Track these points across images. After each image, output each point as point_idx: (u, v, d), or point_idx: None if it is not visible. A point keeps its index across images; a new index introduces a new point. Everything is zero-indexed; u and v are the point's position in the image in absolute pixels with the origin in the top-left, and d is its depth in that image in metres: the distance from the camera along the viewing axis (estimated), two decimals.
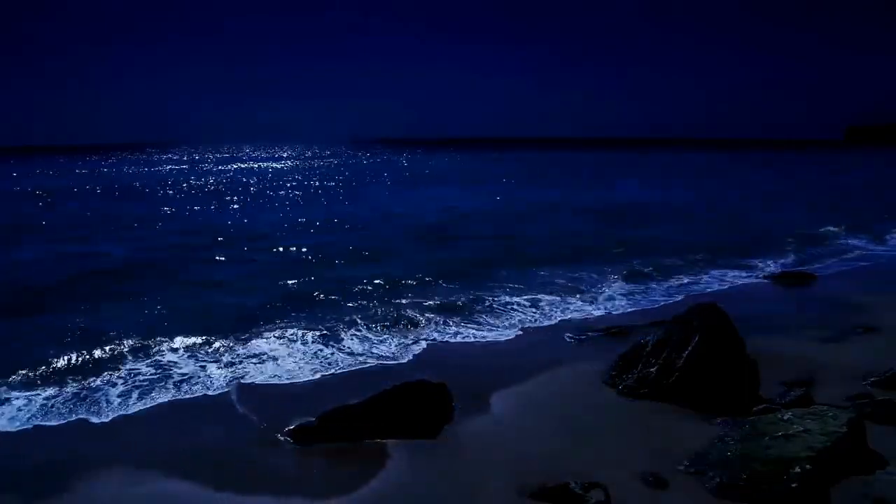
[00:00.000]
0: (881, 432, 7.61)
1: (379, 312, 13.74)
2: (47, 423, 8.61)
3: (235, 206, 36.96)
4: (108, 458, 7.62)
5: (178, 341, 11.81)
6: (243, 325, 12.86)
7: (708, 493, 6.65)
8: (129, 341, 11.77)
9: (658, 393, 9.02)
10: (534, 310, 14.23)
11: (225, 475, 7.23)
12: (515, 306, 14.42)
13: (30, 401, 9.27)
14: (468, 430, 8.28)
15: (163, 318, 13.41)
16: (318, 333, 12.39)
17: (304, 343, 11.88)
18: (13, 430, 8.42)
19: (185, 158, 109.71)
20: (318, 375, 10.35)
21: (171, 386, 9.86)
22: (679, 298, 15.25)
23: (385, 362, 10.99)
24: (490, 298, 15.03)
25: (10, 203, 38.38)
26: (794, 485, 6.35)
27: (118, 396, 9.47)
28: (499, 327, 13.00)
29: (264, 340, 11.97)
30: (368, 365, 10.85)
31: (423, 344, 11.91)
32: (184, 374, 10.31)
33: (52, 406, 9.07)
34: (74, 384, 9.87)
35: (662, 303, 14.96)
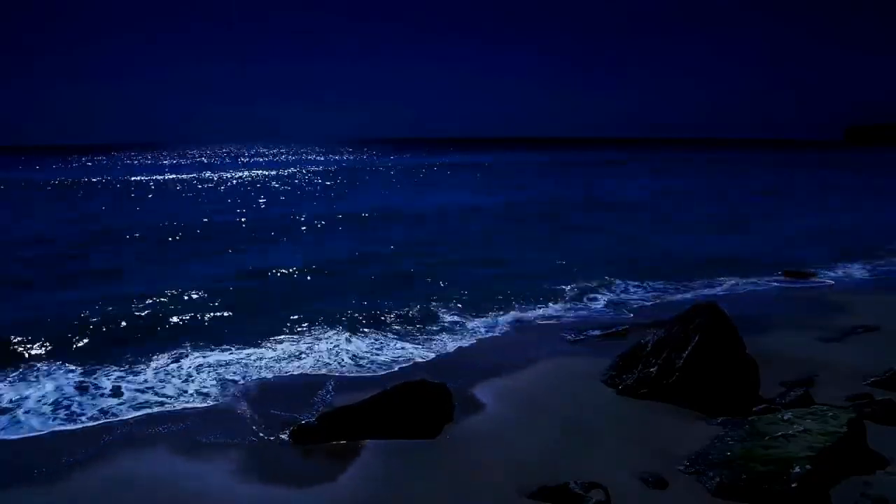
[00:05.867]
0: (881, 432, 7.61)
1: (378, 314, 13.73)
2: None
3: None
4: (109, 456, 7.64)
5: (176, 342, 11.86)
6: (241, 327, 12.89)
7: (708, 493, 6.65)
8: (129, 340, 11.83)
9: (658, 393, 9.02)
10: (533, 309, 14.23)
11: (224, 475, 7.23)
12: (516, 306, 14.41)
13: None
14: (468, 430, 8.28)
15: (153, 320, 13.41)
16: (318, 335, 12.43)
17: (305, 345, 11.89)
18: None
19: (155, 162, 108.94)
20: (318, 376, 10.34)
21: (171, 386, 9.86)
22: (679, 299, 15.23)
23: (386, 363, 10.98)
24: (490, 298, 15.04)
25: None
26: (794, 485, 6.35)
27: (115, 396, 9.49)
28: (499, 328, 13.00)
29: (263, 341, 11.98)
30: (369, 365, 10.85)
31: (424, 344, 11.90)
32: (182, 375, 10.31)
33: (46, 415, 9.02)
34: (74, 386, 9.88)
35: (663, 303, 14.93)
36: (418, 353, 11.43)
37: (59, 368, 10.50)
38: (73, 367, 10.54)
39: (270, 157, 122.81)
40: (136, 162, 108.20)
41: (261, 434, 8.25)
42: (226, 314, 13.72)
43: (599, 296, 15.52)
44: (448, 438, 8.08)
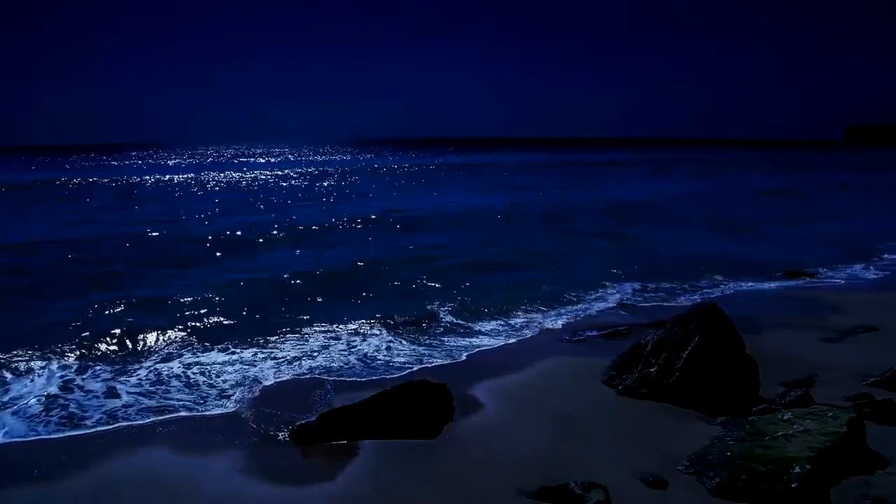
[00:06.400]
0: (881, 432, 7.60)
1: (378, 316, 13.74)
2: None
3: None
4: (107, 457, 7.65)
5: (176, 344, 11.91)
6: (243, 329, 12.89)
7: (708, 493, 6.65)
8: (128, 342, 11.84)
9: (658, 393, 9.02)
10: (534, 310, 14.22)
11: (223, 474, 7.24)
12: (517, 307, 14.41)
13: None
14: (468, 430, 8.29)
15: (153, 322, 13.43)
16: (318, 337, 12.45)
17: (305, 346, 11.90)
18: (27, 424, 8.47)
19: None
20: (319, 377, 10.35)
21: (171, 388, 9.87)
22: (680, 299, 15.24)
23: (387, 364, 10.99)
24: (490, 299, 15.05)
25: None
26: (794, 485, 6.35)
27: (115, 398, 9.51)
28: (501, 329, 13.00)
29: (265, 343, 11.99)
30: (369, 366, 10.86)
31: (425, 346, 11.90)
32: (182, 376, 10.32)
33: (38, 416, 8.97)
34: (72, 388, 9.89)
35: (663, 304, 14.94)
36: (419, 354, 11.42)
37: (59, 371, 10.47)
38: (72, 370, 10.50)
39: (271, 158, 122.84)
40: (136, 162, 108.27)
41: (260, 434, 8.26)
42: (227, 317, 13.68)
43: (600, 296, 15.51)
44: (448, 438, 8.08)
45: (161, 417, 8.78)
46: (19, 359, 10.84)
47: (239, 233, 26.51)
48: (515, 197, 41.95)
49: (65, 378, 10.12)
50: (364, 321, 13.24)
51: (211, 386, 9.88)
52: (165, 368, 10.57)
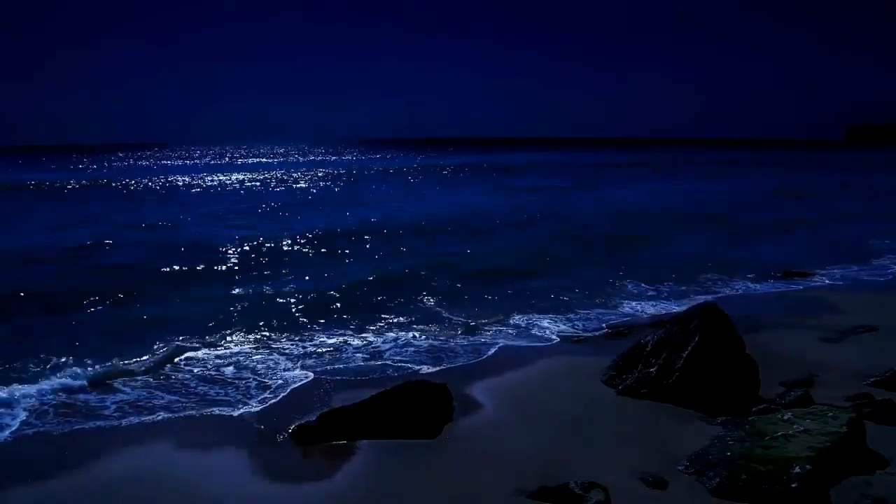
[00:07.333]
0: (881, 432, 7.61)
1: (382, 316, 13.77)
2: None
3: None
4: (107, 456, 7.66)
5: (178, 344, 11.91)
6: (245, 331, 12.91)
7: (708, 493, 6.65)
8: (126, 342, 11.86)
9: (658, 393, 9.02)
10: (534, 312, 14.20)
11: (223, 475, 7.25)
12: (517, 308, 14.40)
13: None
14: (468, 430, 8.29)
15: (152, 324, 13.44)
16: (319, 338, 12.48)
17: (306, 347, 11.92)
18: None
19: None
20: (320, 377, 10.35)
21: (171, 387, 9.89)
22: (680, 299, 15.24)
23: (384, 363, 11.00)
24: (491, 300, 15.06)
25: None
26: (794, 485, 6.35)
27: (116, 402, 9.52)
28: (502, 330, 12.99)
29: (265, 343, 12.02)
30: (371, 366, 10.86)
31: (427, 346, 11.90)
32: (184, 375, 10.34)
33: (48, 414, 9.00)
34: (73, 388, 9.89)
35: (663, 304, 14.93)
36: (421, 356, 11.40)
37: (61, 372, 10.49)
38: (74, 371, 10.48)
39: (273, 159, 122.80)
40: (139, 163, 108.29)
41: (261, 434, 8.27)
42: (228, 319, 13.66)
43: (600, 296, 15.50)
44: (448, 438, 8.08)
45: (162, 417, 8.80)
46: (18, 362, 10.85)
47: (243, 237, 26.35)
48: (517, 199, 41.94)
49: (67, 379, 10.10)
50: (365, 324, 13.26)
51: (211, 386, 9.89)
52: (166, 369, 10.59)
